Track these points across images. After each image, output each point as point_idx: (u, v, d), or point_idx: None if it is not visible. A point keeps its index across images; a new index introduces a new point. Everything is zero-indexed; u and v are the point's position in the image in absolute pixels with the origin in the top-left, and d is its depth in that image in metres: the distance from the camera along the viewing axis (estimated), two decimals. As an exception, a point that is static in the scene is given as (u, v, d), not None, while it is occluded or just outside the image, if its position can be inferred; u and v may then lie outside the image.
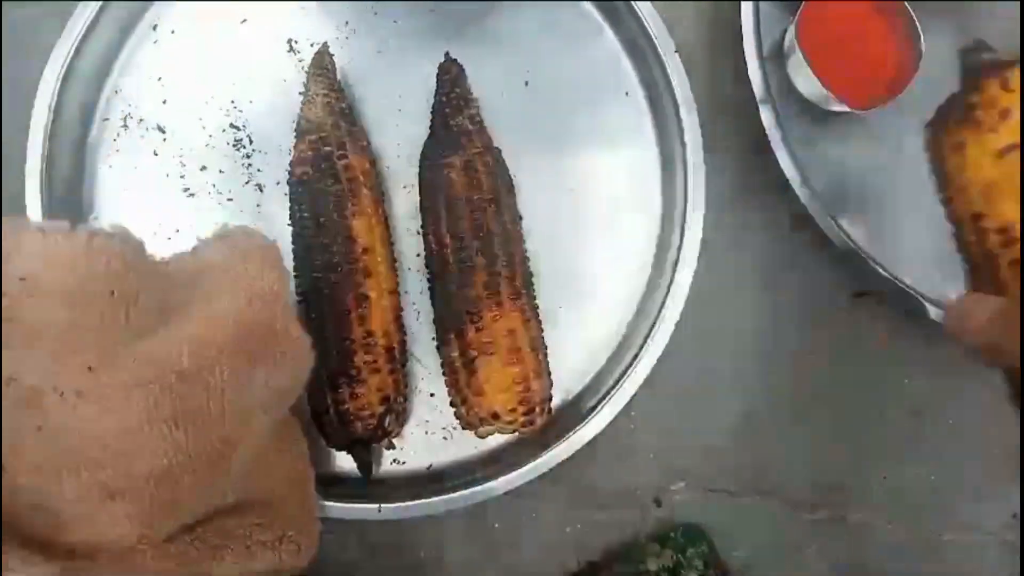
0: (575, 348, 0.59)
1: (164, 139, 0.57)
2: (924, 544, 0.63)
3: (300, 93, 0.55)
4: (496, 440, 0.58)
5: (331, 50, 0.56)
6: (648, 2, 0.58)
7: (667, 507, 0.61)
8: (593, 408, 0.56)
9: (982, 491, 0.63)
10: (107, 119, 0.57)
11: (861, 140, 0.62)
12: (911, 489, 0.63)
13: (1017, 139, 0.52)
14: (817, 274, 0.62)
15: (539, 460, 0.55)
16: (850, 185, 0.62)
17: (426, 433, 0.58)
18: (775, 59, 0.61)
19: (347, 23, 0.59)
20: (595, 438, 0.56)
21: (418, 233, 0.58)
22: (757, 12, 0.58)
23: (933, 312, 0.57)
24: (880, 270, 0.57)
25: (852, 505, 0.63)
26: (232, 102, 0.58)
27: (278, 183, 0.57)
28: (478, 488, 0.55)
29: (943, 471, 0.63)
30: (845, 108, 0.58)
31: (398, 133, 0.59)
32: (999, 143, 0.53)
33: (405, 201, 0.59)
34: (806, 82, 0.59)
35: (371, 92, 0.59)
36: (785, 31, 0.60)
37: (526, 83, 0.60)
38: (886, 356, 0.63)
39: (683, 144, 0.58)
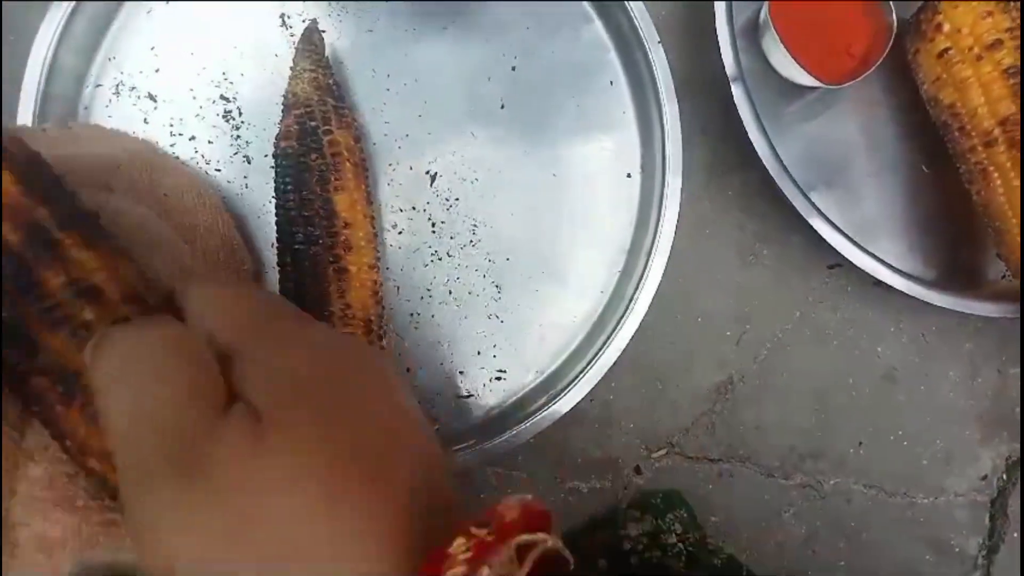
0: (555, 321, 0.60)
1: (155, 107, 0.58)
2: (897, 507, 0.65)
3: (290, 68, 0.56)
4: (474, 414, 0.59)
5: (322, 27, 0.57)
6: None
7: (647, 475, 0.63)
8: (573, 380, 0.57)
9: (952, 455, 0.65)
10: (100, 85, 0.58)
11: (834, 114, 0.63)
12: (884, 454, 0.65)
13: (949, 44, 0.57)
14: (792, 246, 0.64)
15: (521, 429, 0.56)
16: (822, 159, 0.64)
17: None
18: (750, 35, 0.63)
19: (339, 1, 0.60)
20: (577, 410, 0.57)
21: (401, 210, 0.60)
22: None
23: (902, 283, 0.59)
24: (850, 243, 0.58)
25: (827, 471, 0.64)
26: (223, 74, 0.59)
27: (266, 156, 0.58)
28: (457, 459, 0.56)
29: (914, 436, 0.65)
30: (818, 83, 0.59)
31: (385, 112, 0.60)
32: (937, 49, 0.58)
33: (389, 178, 0.60)
34: (779, 58, 0.60)
35: (360, 70, 0.60)
36: (760, 8, 0.61)
37: (513, 68, 0.61)
38: (859, 326, 0.65)
39: (663, 133, 0.59)
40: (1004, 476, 0.65)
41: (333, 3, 0.60)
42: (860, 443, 0.64)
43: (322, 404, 0.28)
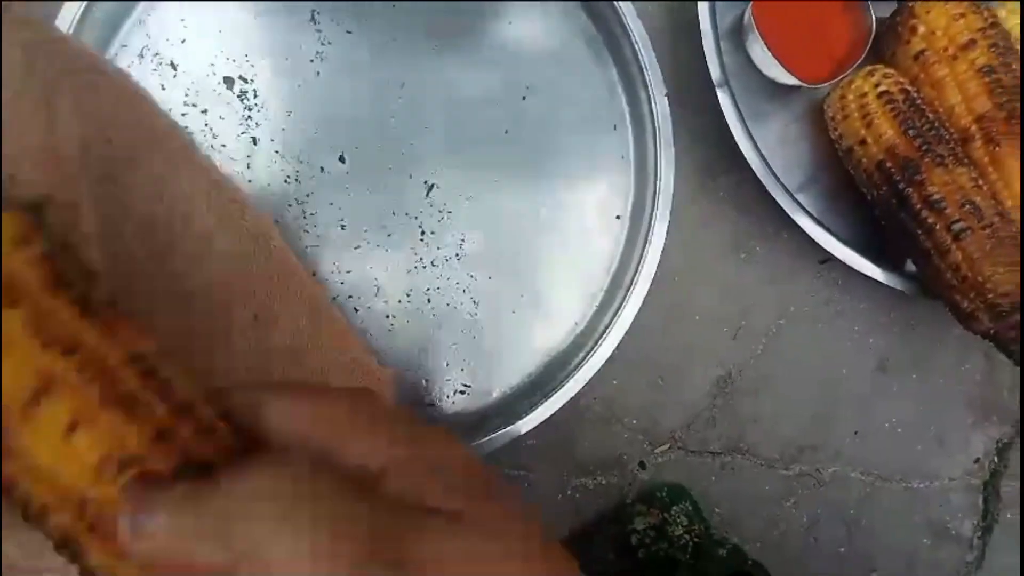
0: (526, 345, 0.62)
1: (174, 76, 0.59)
2: (893, 493, 0.65)
3: (311, 60, 0.59)
4: (436, 423, 0.58)
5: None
6: (644, 16, 0.62)
7: (652, 470, 0.63)
8: (562, 381, 0.58)
9: (945, 440, 0.67)
10: (126, 46, 0.58)
11: (817, 113, 0.66)
12: (879, 442, 0.66)
13: (924, 46, 0.61)
14: (783, 243, 0.67)
15: (518, 423, 0.57)
16: (808, 157, 0.67)
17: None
18: (735, 36, 0.66)
19: (369, 7, 0.62)
20: (580, 407, 0.59)
21: (393, 214, 0.62)
22: (713, -1, 0.62)
23: (885, 276, 0.61)
24: (835, 239, 0.61)
25: (825, 460, 0.65)
26: (246, 56, 0.60)
27: (272, 140, 0.59)
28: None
29: (908, 423, 0.67)
30: (799, 83, 0.62)
31: (394, 118, 0.62)
32: (913, 50, 0.62)
33: (386, 182, 0.62)
34: (762, 58, 0.63)
35: (377, 75, 0.62)
36: (744, 9, 0.64)
37: (523, 98, 0.64)
38: (851, 317, 0.67)
39: (656, 181, 0.62)
40: (996, 459, 0.67)
41: (363, 7, 0.62)
42: (856, 432, 0.65)
43: (496, 492, 0.29)
